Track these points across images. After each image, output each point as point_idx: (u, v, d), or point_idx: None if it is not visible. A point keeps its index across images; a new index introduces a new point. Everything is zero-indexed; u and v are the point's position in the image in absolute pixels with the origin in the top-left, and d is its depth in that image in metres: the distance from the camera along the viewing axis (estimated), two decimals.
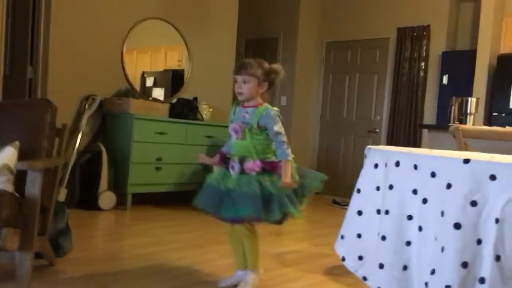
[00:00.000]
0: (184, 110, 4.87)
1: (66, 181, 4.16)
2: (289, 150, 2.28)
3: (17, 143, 2.35)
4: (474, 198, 1.18)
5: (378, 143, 6.07)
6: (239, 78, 2.28)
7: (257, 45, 7.04)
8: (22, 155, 2.33)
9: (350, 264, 1.54)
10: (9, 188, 2.22)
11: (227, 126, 5.28)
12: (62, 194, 4.07)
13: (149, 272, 2.68)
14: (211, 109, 5.17)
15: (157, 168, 4.51)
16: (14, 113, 2.55)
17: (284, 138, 2.28)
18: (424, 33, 5.79)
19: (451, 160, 1.26)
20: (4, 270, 2.39)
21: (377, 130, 6.19)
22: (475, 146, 2.41)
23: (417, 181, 1.31)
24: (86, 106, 4.44)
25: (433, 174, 1.27)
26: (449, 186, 1.22)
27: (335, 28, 6.57)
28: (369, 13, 6.24)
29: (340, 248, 1.59)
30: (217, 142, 4.92)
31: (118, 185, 4.40)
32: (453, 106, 3.96)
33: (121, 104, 4.43)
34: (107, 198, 4.27)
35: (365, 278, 1.48)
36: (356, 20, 6.35)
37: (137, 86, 4.94)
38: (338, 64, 6.62)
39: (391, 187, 1.39)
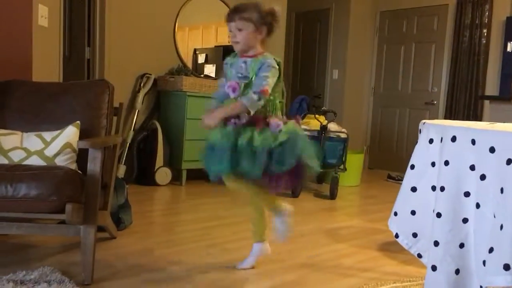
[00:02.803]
0: None
1: (124, 158, 4.32)
2: (260, 103, 1.96)
3: (78, 122, 2.46)
4: None
5: (435, 116, 5.86)
6: (232, 25, 2.01)
7: (307, 18, 6.92)
8: (83, 134, 2.44)
9: (404, 241, 1.52)
10: (72, 166, 2.34)
11: (279, 102, 5.31)
12: (121, 171, 4.24)
13: (204, 246, 2.76)
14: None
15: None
16: (75, 93, 2.66)
17: (265, 88, 1.94)
18: None
19: (511, 135, 1.20)
20: (71, 243, 2.55)
21: (435, 102, 5.96)
22: None
23: (475, 157, 1.26)
24: (141, 84, 4.56)
25: (492, 150, 1.22)
26: (509, 161, 1.17)
27: None
28: None
29: (394, 225, 1.57)
30: None
31: (173, 161, 4.53)
32: None
33: (174, 81, 4.51)
34: (163, 174, 4.41)
35: (419, 255, 1.46)
36: None
37: (189, 63, 5.00)
38: (393, 35, 6.39)
39: (447, 163, 1.34)
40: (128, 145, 4.38)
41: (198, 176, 4.78)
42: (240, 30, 1.99)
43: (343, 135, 4.33)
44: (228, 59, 2.15)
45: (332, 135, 4.29)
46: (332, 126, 4.41)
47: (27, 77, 2.91)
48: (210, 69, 5.20)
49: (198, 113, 4.48)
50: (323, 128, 4.26)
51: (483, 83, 5.51)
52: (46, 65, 3.21)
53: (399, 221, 1.53)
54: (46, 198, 1.95)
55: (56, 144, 2.37)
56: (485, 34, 5.50)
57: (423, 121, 1.58)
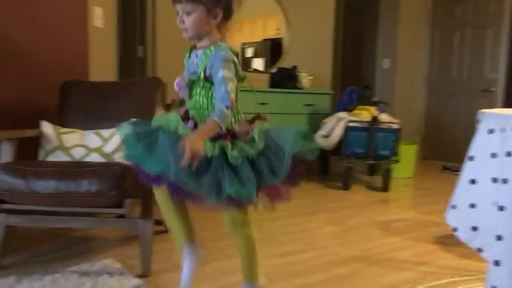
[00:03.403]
0: (284, 80, 4.88)
1: None
2: (230, 114, 1.55)
3: (134, 120, 2.54)
4: None
5: (494, 104, 5.61)
6: (179, 7, 1.62)
7: (356, 7, 6.78)
8: None
9: (463, 235, 1.47)
10: None
11: (327, 94, 5.26)
12: None
13: (257, 238, 2.78)
14: (311, 77, 5.13)
15: None
16: (129, 92, 2.76)
17: (231, 96, 1.54)
18: None
19: None
20: (130, 236, 2.65)
21: (493, 89, 5.70)
22: None
23: None
24: None
25: None
26: None
27: None
28: None
29: (452, 218, 1.53)
30: (317, 110, 4.90)
31: None
32: None
33: None
34: None
35: (480, 250, 1.41)
36: None
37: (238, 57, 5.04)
38: (447, 20, 6.16)
39: (509, 154, 1.29)
40: None
41: None
42: (188, 13, 1.60)
43: (395, 126, 4.24)
44: (187, 53, 1.74)
45: (383, 126, 4.20)
46: (384, 117, 4.32)
47: (84, 77, 3.04)
48: (258, 63, 5.21)
49: (248, 108, 4.54)
50: (374, 119, 4.18)
51: None
52: (102, 64, 3.33)
53: (458, 214, 1.49)
54: (107, 193, 2.03)
55: (114, 141, 2.47)
56: None
57: (481, 110, 1.52)
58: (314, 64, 5.38)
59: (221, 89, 1.54)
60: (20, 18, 2.79)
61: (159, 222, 2.66)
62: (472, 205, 1.43)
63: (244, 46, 5.16)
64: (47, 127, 2.50)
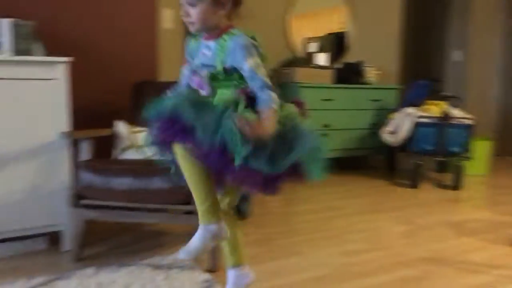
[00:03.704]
0: (349, 75, 4.81)
1: None
2: (275, 94, 1.46)
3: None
4: None
5: None
6: (183, 0, 1.51)
7: None
8: None
9: None
10: None
11: (394, 88, 5.12)
12: None
13: (320, 237, 2.78)
14: (378, 72, 5.01)
15: (324, 135, 4.57)
16: None
17: (261, 74, 1.46)
18: None
19: None
20: (191, 233, 2.72)
21: None
22: None
23: None
24: None
25: None
26: None
27: None
28: None
29: None
30: (384, 105, 4.79)
31: None
32: None
33: (288, 73, 4.57)
34: None
35: None
36: None
37: (301, 53, 5.00)
38: None
39: None
40: None
41: None
42: (192, 5, 1.48)
43: (467, 122, 4.05)
44: (191, 43, 1.61)
45: (455, 121, 4.03)
46: (456, 112, 4.14)
47: (154, 77, 3.16)
48: (322, 58, 5.16)
49: (312, 104, 4.51)
50: (445, 114, 4.02)
51: None
52: (171, 65, 3.44)
53: None
54: (177, 190, 2.11)
55: None
56: None
57: None
58: (380, 58, 5.26)
59: (256, 81, 1.45)
60: (97, 23, 2.95)
61: None
62: None
63: (308, 41, 5.11)
64: (120, 126, 2.63)
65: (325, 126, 4.56)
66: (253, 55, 1.47)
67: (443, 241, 2.72)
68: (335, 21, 5.29)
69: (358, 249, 2.58)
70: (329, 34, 5.22)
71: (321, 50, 5.13)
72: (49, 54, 2.49)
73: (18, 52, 2.35)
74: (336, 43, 5.26)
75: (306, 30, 5.11)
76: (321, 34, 5.21)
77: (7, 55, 2.31)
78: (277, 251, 2.52)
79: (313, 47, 5.16)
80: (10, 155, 2.30)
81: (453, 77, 6.14)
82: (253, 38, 1.54)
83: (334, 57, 5.14)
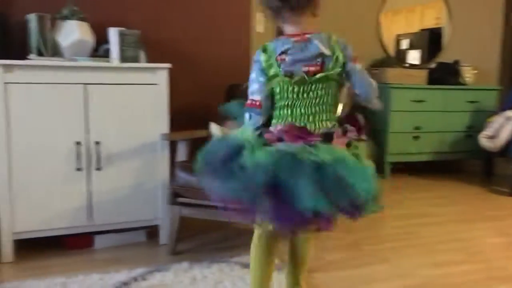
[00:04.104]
0: (444, 75, 4.61)
1: None
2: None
3: None
4: None
5: None
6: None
7: None
8: None
9: None
10: None
11: (493, 89, 4.83)
12: None
13: (408, 245, 2.71)
14: (475, 71, 4.75)
15: (415, 137, 4.43)
16: None
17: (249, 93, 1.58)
18: None
19: None
20: None
21: None
22: None
23: None
24: None
25: None
26: None
27: None
28: None
29: None
30: (482, 107, 4.54)
31: (377, 154, 4.50)
32: None
33: (378, 74, 4.47)
34: None
35: None
36: None
37: (392, 50, 4.86)
38: None
39: None
40: None
41: (402, 169, 4.68)
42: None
43: None
44: None
45: None
46: None
47: (247, 80, 3.26)
48: (414, 55, 4.98)
49: (403, 106, 4.41)
50: None
51: None
52: None
53: None
54: None
55: None
56: None
57: None
58: (479, 57, 4.98)
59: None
60: (194, 31, 3.10)
61: None
62: None
63: (399, 38, 4.95)
64: (214, 128, 2.75)
65: (416, 128, 4.41)
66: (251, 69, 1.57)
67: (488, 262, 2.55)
68: (430, 17, 5.08)
69: (449, 261, 2.49)
70: (422, 30, 5.02)
71: (413, 47, 4.96)
72: (151, 60, 2.67)
73: (125, 59, 2.55)
74: (429, 40, 5.06)
75: (399, 26, 4.95)
76: (414, 30, 5.02)
77: (116, 62, 2.52)
78: (364, 257, 2.51)
79: (404, 44, 4.99)
80: (118, 154, 2.51)
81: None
82: (264, 50, 1.56)
83: (428, 55, 4.95)
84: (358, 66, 1.55)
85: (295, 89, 1.52)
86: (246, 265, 2.30)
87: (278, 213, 1.37)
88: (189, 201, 2.40)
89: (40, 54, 2.50)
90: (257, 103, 1.56)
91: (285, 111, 1.54)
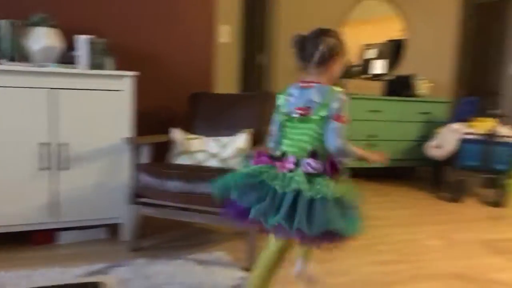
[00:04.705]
0: (400, 87, 4.90)
1: None
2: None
3: (249, 130, 2.87)
4: None
5: None
6: None
7: (485, 10, 6.42)
8: (252, 139, 2.85)
9: None
10: None
11: (444, 102, 5.14)
12: None
13: (355, 245, 2.92)
14: (430, 84, 5.06)
15: (372, 145, 4.70)
16: (246, 104, 3.10)
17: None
18: None
19: None
20: (242, 232, 2.98)
21: None
22: None
23: None
24: None
25: None
26: None
27: None
28: None
29: None
30: (433, 118, 4.84)
31: None
32: None
33: (339, 84, 4.72)
34: None
35: None
36: None
37: (358, 59, 5.10)
38: None
39: None
40: None
41: (359, 175, 4.92)
42: None
43: None
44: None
45: (502, 139, 4.04)
46: (503, 130, 4.14)
47: (210, 89, 3.45)
48: (380, 64, 5.22)
49: (360, 115, 4.68)
50: (492, 132, 4.04)
51: None
52: (226, 76, 3.73)
53: None
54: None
55: (230, 148, 2.82)
56: None
57: None
58: (434, 71, 5.30)
59: None
60: (160, 40, 3.27)
61: None
62: None
63: (366, 47, 5.20)
64: (176, 133, 2.94)
65: (372, 136, 4.68)
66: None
67: (473, 258, 2.82)
68: (396, 29, 5.35)
69: (388, 260, 2.73)
70: (389, 41, 5.28)
71: (380, 56, 5.20)
72: (119, 67, 2.83)
73: (93, 65, 2.71)
74: (394, 51, 5.35)
75: (367, 36, 5.18)
76: (381, 40, 5.26)
77: (84, 69, 2.67)
78: (316, 254, 2.72)
79: (371, 53, 5.23)
80: (84, 155, 2.67)
81: (510, 91, 6.03)
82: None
83: (391, 65, 5.24)
84: (336, 124, 1.73)
85: (288, 125, 1.85)
86: (201, 262, 2.49)
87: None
88: (149, 201, 2.57)
89: (12, 59, 2.63)
90: (271, 132, 1.93)
91: (282, 141, 1.88)
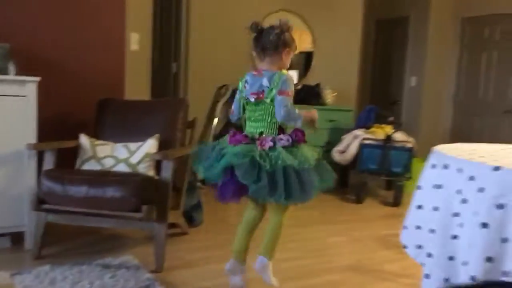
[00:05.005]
0: (308, 96, 5.18)
1: None
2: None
3: (157, 135, 2.93)
4: (501, 202, 1.32)
5: None
6: None
7: (387, 26, 6.98)
8: (162, 145, 2.91)
9: (411, 252, 1.73)
10: (150, 172, 2.81)
11: (348, 110, 5.49)
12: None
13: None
14: (335, 93, 5.39)
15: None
16: (156, 110, 3.15)
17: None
18: None
19: (485, 167, 1.39)
20: (150, 236, 3.02)
21: None
22: None
23: (461, 183, 1.47)
24: (220, 95, 5.02)
25: (471, 178, 1.42)
26: (481, 189, 1.37)
27: (471, 2, 6.20)
28: None
29: (403, 237, 1.79)
30: (340, 125, 5.16)
31: None
32: None
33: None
34: None
35: (423, 265, 1.67)
36: None
37: None
38: (474, 41, 6.26)
39: (440, 186, 1.55)
40: None
41: None
42: None
43: (409, 145, 4.45)
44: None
45: (397, 144, 4.42)
46: (398, 136, 4.53)
47: (120, 95, 3.46)
48: (291, 74, 5.49)
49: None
50: (388, 137, 4.41)
51: None
52: (137, 83, 3.76)
53: (408, 234, 1.76)
54: (127, 199, 2.42)
55: (139, 154, 2.85)
56: None
57: (433, 147, 1.79)
58: (340, 81, 5.65)
59: None
60: (66, 43, 3.24)
61: (174, 225, 3.03)
62: (418, 227, 1.69)
63: None
64: (84, 139, 2.93)
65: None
66: None
67: (368, 252, 3.08)
68: (306, 40, 5.66)
69: (294, 256, 2.91)
70: (300, 52, 5.56)
71: (291, 67, 5.47)
72: (22, 73, 2.77)
73: None
74: (304, 62, 5.66)
75: None
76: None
77: None
78: (223, 256, 2.83)
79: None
80: None
81: (409, 100, 6.58)
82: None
83: (302, 75, 5.55)
84: (280, 97, 2.06)
85: (248, 108, 2.18)
86: (106, 267, 2.51)
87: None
88: (52, 207, 2.54)
89: None
90: (232, 111, 2.29)
91: (244, 122, 2.24)
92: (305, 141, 2.21)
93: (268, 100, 2.08)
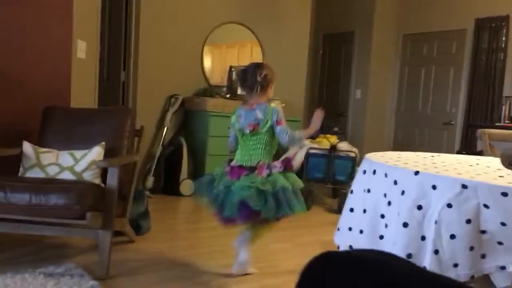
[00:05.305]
0: None
1: (153, 170, 4.81)
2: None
3: (103, 143, 2.94)
4: (420, 203, 1.45)
5: (453, 136, 6.04)
6: None
7: (334, 40, 7.25)
8: (108, 153, 2.92)
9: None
10: (96, 180, 2.81)
11: (296, 121, 5.66)
12: (149, 181, 4.73)
13: (209, 251, 3.16)
14: (283, 104, 5.53)
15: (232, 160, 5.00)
16: (102, 118, 3.15)
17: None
18: (503, 24, 5.62)
19: (406, 171, 1.53)
20: (95, 244, 3.01)
21: (453, 122, 6.14)
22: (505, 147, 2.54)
23: (386, 187, 1.60)
24: (170, 104, 5.05)
25: (395, 182, 1.55)
26: (403, 192, 1.50)
27: (411, 20, 6.57)
28: (446, 4, 6.16)
29: (337, 238, 1.91)
30: None
31: (196, 174, 4.97)
32: (503, 106, 3.94)
33: (199, 102, 4.98)
34: (187, 186, 4.87)
35: None
36: (432, 11, 6.31)
37: (225, 79, 5.42)
38: (414, 57, 6.62)
39: (369, 190, 1.68)
40: (156, 158, 4.87)
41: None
42: None
43: (352, 154, 4.64)
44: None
45: (341, 154, 4.60)
46: (343, 146, 4.72)
47: (66, 103, 3.43)
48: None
49: (220, 131, 4.96)
50: (333, 147, 4.58)
51: (498, 107, 5.66)
52: (84, 91, 3.74)
53: (340, 235, 1.88)
54: (71, 206, 2.41)
55: (85, 161, 2.85)
56: (502, 58, 5.66)
57: (366, 155, 1.92)
58: (288, 92, 5.81)
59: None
60: (10, 49, 3.19)
61: (120, 233, 3.04)
62: (350, 229, 1.81)
63: (232, 69, 5.53)
64: (27, 147, 2.89)
65: (233, 152, 4.97)
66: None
67: (309, 257, 3.17)
68: (257, 53, 5.79)
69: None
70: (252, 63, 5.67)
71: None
72: None
73: None
74: None
75: (231, 59, 5.54)
76: (245, 63, 5.63)
77: None
78: (168, 262, 2.86)
79: (236, 75, 5.58)
80: None
81: (355, 112, 6.84)
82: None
83: None
84: (279, 127, 2.46)
85: (243, 138, 2.52)
86: (50, 275, 2.49)
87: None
88: None
89: None
90: (228, 143, 2.68)
91: (237, 152, 2.58)
92: (293, 170, 2.65)
93: (263, 131, 2.45)
